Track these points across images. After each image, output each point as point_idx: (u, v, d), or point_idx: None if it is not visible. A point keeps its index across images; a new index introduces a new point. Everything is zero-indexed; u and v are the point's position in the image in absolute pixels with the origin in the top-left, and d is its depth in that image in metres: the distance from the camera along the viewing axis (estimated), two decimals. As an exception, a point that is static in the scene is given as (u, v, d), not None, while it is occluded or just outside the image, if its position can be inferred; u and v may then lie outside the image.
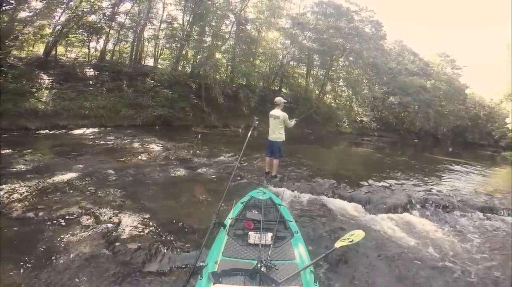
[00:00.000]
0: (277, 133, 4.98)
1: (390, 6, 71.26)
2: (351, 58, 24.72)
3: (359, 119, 26.98)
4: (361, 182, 5.64)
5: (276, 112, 4.94)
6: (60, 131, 9.52)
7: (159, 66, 17.92)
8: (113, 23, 14.98)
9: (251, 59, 20.21)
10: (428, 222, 4.27)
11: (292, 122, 5.11)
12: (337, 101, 27.46)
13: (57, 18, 12.70)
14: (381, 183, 5.78)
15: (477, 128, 34.12)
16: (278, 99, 5.07)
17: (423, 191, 5.53)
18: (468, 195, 5.77)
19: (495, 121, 33.53)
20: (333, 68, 24.79)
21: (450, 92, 29.86)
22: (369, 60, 23.67)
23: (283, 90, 23.21)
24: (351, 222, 3.94)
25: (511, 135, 24.91)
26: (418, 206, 4.80)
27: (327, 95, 27.52)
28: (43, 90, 11.11)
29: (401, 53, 31.25)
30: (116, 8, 14.85)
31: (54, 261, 2.45)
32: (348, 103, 27.92)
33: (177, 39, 15.71)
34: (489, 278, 2.87)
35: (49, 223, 3.11)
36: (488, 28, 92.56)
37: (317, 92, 25.83)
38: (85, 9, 12.79)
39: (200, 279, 1.76)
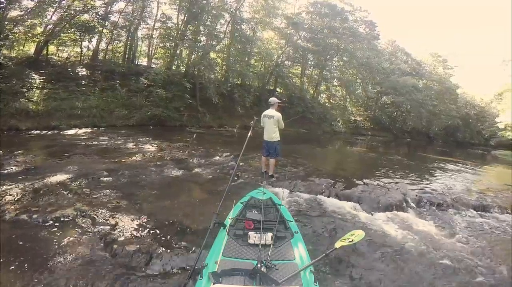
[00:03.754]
0: (272, 133, 5.01)
1: (384, 6, 72.17)
2: (345, 58, 24.96)
3: (353, 118, 27.20)
4: (357, 181, 5.69)
5: (271, 112, 4.98)
6: (52, 132, 9.36)
7: (153, 66, 17.78)
8: (106, 22, 14.80)
9: (246, 59, 20.22)
10: (423, 220, 4.32)
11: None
12: (331, 100, 27.68)
13: (48, 17, 12.52)
14: (377, 182, 5.84)
15: (468, 127, 34.67)
16: (272, 99, 5.14)
17: (417, 189, 5.59)
18: (461, 193, 5.87)
19: (485, 120, 34.20)
20: (327, 68, 24.97)
21: (441, 91, 30.31)
22: (362, 60, 23.96)
23: (278, 89, 23.29)
24: (349, 221, 3.96)
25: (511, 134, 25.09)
26: (413, 204, 4.87)
27: (322, 95, 27.71)
28: (34, 90, 10.93)
29: (394, 53, 31.62)
30: (110, 7, 14.68)
31: (50, 264, 2.40)
32: (342, 102, 28.13)
33: (171, 38, 15.62)
34: (488, 277, 2.91)
35: (43, 225, 3.04)
36: (483, 28, 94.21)
37: (311, 91, 25.97)
38: (77, 8, 12.59)
39: (200, 279, 1.75)
